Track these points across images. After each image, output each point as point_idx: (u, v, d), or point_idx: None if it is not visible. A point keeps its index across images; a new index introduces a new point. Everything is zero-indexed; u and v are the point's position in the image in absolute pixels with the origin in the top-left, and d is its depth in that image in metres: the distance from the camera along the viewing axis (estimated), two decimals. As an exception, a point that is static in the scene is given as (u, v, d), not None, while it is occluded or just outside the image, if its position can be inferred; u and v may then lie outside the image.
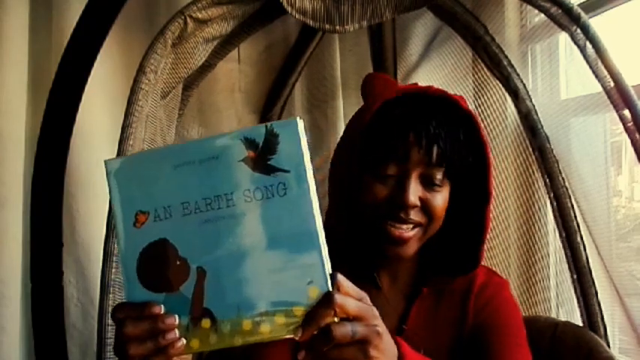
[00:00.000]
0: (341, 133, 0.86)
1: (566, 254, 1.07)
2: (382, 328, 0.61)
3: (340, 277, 0.60)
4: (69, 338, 1.04)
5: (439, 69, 1.32)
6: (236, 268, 0.62)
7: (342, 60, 1.47)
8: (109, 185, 0.65)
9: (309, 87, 1.50)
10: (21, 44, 1.16)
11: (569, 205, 1.05)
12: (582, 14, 0.90)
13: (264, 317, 0.61)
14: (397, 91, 0.79)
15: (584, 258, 1.04)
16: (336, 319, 0.59)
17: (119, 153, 0.92)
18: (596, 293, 1.02)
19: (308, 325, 0.59)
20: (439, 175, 0.76)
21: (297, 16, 1.01)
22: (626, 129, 0.86)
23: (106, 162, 0.65)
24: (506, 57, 1.09)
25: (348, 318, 0.60)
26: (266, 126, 0.61)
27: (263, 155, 0.62)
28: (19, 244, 1.15)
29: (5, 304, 1.14)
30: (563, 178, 1.07)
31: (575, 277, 1.05)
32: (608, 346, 0.99)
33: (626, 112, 0.86)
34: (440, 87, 0.80)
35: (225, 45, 1.16)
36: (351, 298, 0.60)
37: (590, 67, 0.89)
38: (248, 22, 1.12)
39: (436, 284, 0.84)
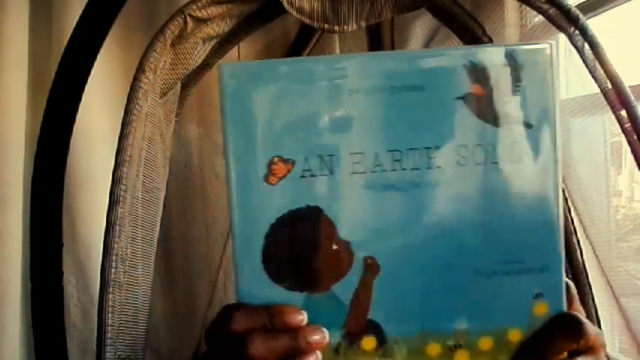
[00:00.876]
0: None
1: (562, 255, 1.07)
2: None
3: (574, 288, 0.43)
4: (69, 338, 1.04)
5: (438, 69, 1.32)
6: (426, 265, 0.42)
7: (342, 59, 1.48)
8: (223, 108, 0.40)
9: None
10: (21, 44, 1.16)
11: (566, 206, 1.05)
12: (580, 16, 0.90)
13: (462, 341, 0.42)
14: None
15: (580, 258, 1.04)
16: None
17: (119, 150, 0.88)
18: (592, 292, 1.03)
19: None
20: None
21: (297, 16, 1.01)
22: (624, 130, 0.86)
23: (222, 67, 0.40)
24: (504, 58, 1.09)
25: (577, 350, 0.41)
26: (505, 49, 0.42)
27: (495, 95, 0.41)
28: (19, 244, 1.14)
29: (5, 304, 1.13)
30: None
31: (569, 277, 1.05)
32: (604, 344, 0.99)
33: (624, 113, 0.86)
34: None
35: (224, 44, 1.16)
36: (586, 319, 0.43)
37: (588, 68, 0.89)
38: (247, 22, 1.12)
39: None
